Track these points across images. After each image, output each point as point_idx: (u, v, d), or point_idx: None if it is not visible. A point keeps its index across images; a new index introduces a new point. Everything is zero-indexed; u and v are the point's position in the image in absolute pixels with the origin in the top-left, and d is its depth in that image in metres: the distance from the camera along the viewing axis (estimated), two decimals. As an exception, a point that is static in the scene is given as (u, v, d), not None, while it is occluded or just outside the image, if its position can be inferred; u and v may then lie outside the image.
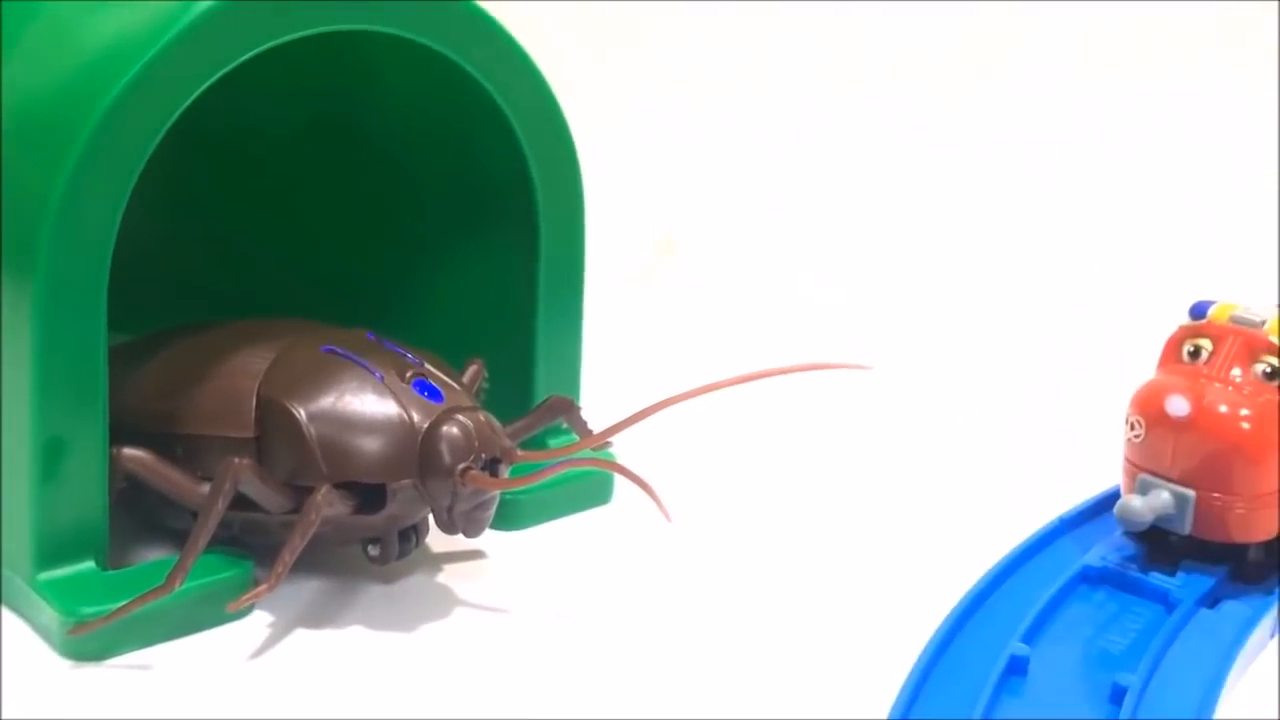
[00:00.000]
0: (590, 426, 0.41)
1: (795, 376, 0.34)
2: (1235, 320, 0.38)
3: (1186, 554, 0.38)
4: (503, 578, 0.38)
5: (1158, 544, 0.38)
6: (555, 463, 0.35)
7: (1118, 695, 0.32)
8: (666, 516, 0.33)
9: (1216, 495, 0.37)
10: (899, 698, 0.32)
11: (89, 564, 0.34)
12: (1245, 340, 0.38)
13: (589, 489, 0.42)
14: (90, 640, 0.33)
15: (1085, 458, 0.44)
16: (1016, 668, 0.33)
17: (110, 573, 0.35)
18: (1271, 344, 0.37)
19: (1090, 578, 0.38)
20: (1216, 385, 0.37)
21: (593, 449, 0.38)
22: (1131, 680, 0.32)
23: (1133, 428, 0.38)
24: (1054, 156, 0.73)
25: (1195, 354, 0.38)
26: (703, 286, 0.62)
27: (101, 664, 0.33)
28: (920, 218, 0.69)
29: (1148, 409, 0.38)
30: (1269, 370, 0.37)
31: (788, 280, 0.63)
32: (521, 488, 0.37)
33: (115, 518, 0.35)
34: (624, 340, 0.54)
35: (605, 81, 0.72)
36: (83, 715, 0.32)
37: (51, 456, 0.34)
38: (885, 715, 0.32)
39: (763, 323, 0.59)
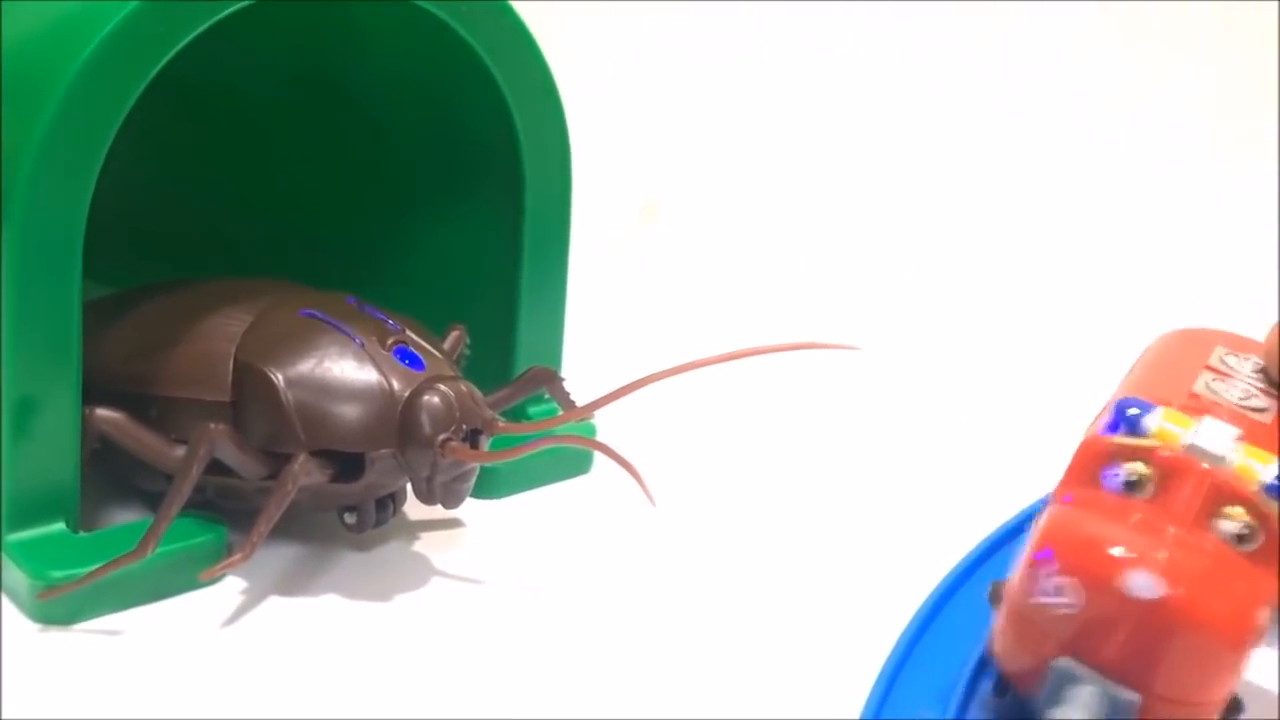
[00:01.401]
0: (573, 398, 0.41)
1: (781, 353, 0.34)
2: (1193, 451, 0.28)
3: None
4: (480, 547, 0.38)
5: None
6: (537, 437, 0.35)
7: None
8: (650, 500, 0.32)
9: (1173, 702, 0.27)
10: (879, 678, 0.32)
11: (60, 526, 0.34)
12: (1211, 484, 0.27)
13: (569, 459, 0.41)
14: (60, 604, 0.33)
15: (1069, 442, 0.43)
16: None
17: (81, 535, 0.34)
18: (1244, 492, 0.27)
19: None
20: (1189, 551, 0.26)
21: (575, 422, 0.37)
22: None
23: (1059, 593, 0.27)
24: (1048, 128, 0.72)
25: (1133, 486, 0.28)
26: (686, 254, 0.62)
27: (71, 628, 0.33)
28: (908, 190, 0.68)
29: (1090, 576, 0.26)
30: (1243, 533, 0.27)
31: (772, 248, 0.63)
32: (502, 461, 0.37)
33: (87, 479, 0.35)
34: (607, 307, 0.54)
35: (595, 44, 0.71)
36: (52, 679, 0.31)
37: (23, 415, 0.33)
38: (865, 695, 0.31)
39: (746, 291, 0.58)
